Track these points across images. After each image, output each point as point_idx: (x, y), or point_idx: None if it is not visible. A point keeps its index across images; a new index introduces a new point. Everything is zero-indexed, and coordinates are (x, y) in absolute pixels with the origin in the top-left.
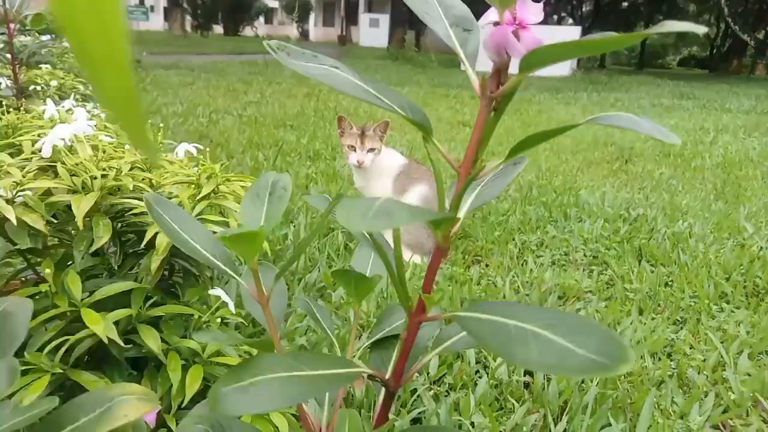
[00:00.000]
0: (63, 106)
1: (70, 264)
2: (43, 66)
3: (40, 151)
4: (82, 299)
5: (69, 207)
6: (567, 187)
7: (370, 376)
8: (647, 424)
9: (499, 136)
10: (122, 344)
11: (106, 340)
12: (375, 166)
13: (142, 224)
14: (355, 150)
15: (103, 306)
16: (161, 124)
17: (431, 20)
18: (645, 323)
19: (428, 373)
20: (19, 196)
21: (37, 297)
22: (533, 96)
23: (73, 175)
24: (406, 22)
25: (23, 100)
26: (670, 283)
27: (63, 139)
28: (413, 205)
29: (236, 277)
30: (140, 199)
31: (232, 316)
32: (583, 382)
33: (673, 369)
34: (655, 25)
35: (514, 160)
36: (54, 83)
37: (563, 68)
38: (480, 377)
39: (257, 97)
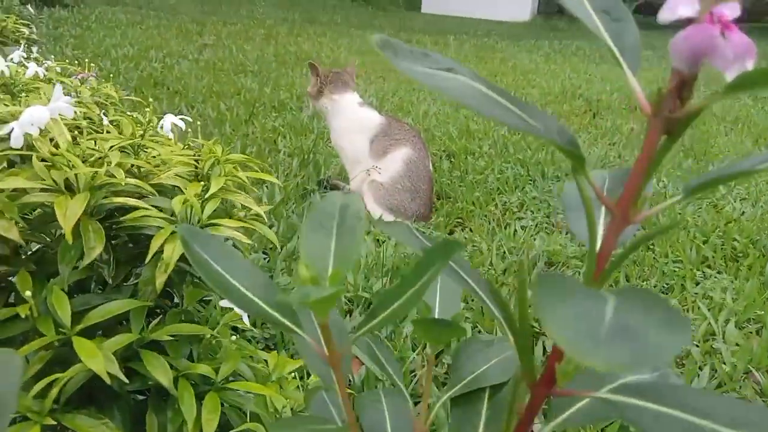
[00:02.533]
0: (12, 59)
1: (52, 278)
2: None
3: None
4: (72, 323)
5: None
6: (540, 143)
7: None
8: None
9: None
10: (125, 379)
11: (108, 379)
12: (349, 123)
13: (139, 227)
14: (319, 97)
15: (95, 326)
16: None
17: (571, 4)
18: None
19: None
20: None
21: (11, 321)
22: (495, 43)
23: (51, 167)
24: None
25: None
26: (651, 246)
27: (36, 126)
28: (668, 319)
29: (299, 331)
30: (138, 197)
31: (244, 326)
32: None
33: None
34: None
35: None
36: None
37: (524, 13)
38: None
39: (213, 40)
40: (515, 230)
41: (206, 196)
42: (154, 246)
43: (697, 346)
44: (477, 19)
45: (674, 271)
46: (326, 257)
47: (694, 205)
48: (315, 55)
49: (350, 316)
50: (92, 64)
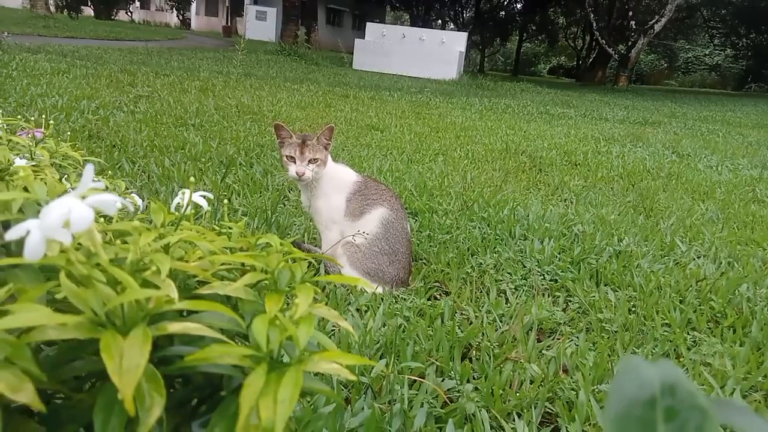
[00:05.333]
0: None
1: None
2: None
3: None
4: None
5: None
6: (498, 200)
7: None
8: None
9: (413, 141)
10: None
11: None
12: (324, 183)
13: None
14: (294, 161)
15: None
16: (43, 118)
17: None
18: None
19: None
20: None
21: None
22: (429, 100)
23: (78, 283)
24: (298, 17)
25: None
26: (633, 309)
27: (71, 231)
28: None
29: None
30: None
31: None
32: None
33: None
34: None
35: None
36: None
37: (451, 72)
38: None
39: (147, 91)
40: (497, 294)
41: (295, 317)
42: (248, 401)
43: None
44: (408, 76)
45: (664, 335)
46: None
47: (660, 264)
48: (257, 109)
49: (350, 405)
50: (42, 116)
